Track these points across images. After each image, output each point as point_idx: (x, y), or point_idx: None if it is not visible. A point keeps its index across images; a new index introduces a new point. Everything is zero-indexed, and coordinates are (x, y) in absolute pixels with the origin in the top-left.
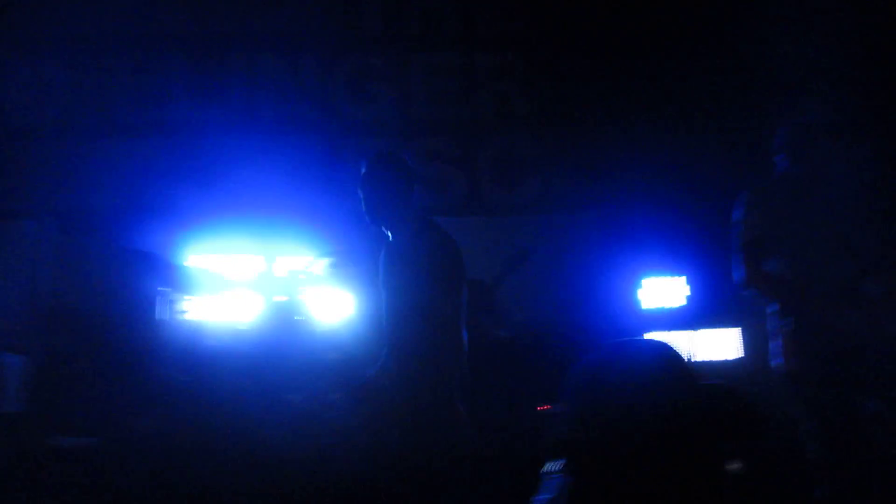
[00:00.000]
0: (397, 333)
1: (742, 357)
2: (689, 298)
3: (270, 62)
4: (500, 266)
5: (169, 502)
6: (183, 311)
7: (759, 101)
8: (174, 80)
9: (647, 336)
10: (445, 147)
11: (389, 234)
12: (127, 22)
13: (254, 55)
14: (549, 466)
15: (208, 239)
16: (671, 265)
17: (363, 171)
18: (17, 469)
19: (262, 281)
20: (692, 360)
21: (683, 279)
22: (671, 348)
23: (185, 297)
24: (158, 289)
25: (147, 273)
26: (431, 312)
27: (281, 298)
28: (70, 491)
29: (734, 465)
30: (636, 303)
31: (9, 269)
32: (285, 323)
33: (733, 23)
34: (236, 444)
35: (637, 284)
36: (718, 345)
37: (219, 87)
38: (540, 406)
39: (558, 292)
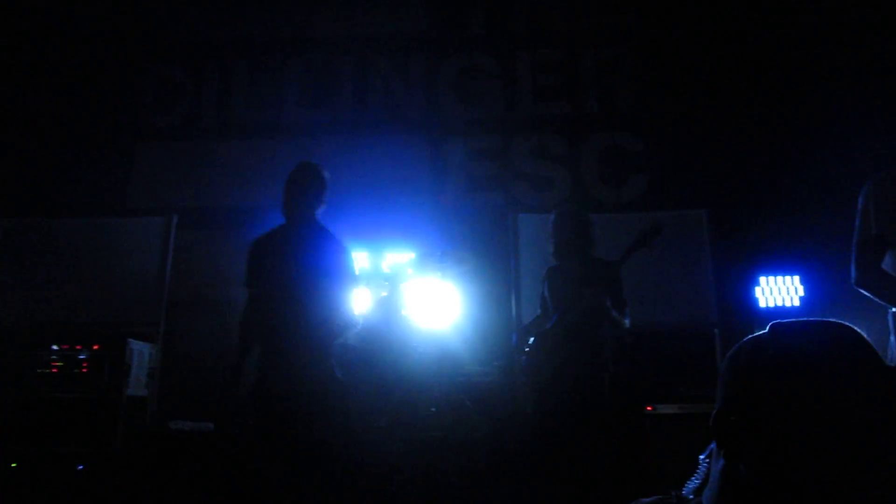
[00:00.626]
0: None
1: None
2: (803, 299)
3: (380, 63)
4: (629, 243)
5: (280, 488)
6: None
7: (880, 92)
8: (287, 83)
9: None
10: (550, 144)
11: None
12: (243, 28)
13: (364, 56)
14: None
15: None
16: (785, 264)
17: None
18: (142, 450)
19: (368, 276)
20: None
21: (797, 278)
22: (855, 329)
23: None
24: None
25: None
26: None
27: (385, 293)
28: (189, 472)
29: None
30: (754, 301)
31: (138, 262)
32: (390, 318)
33: (851, 15)
34: (343, 435)
35: (754, 283)
36: None
37: (329, 88)
38: (649, 406)
39: (668, 290)
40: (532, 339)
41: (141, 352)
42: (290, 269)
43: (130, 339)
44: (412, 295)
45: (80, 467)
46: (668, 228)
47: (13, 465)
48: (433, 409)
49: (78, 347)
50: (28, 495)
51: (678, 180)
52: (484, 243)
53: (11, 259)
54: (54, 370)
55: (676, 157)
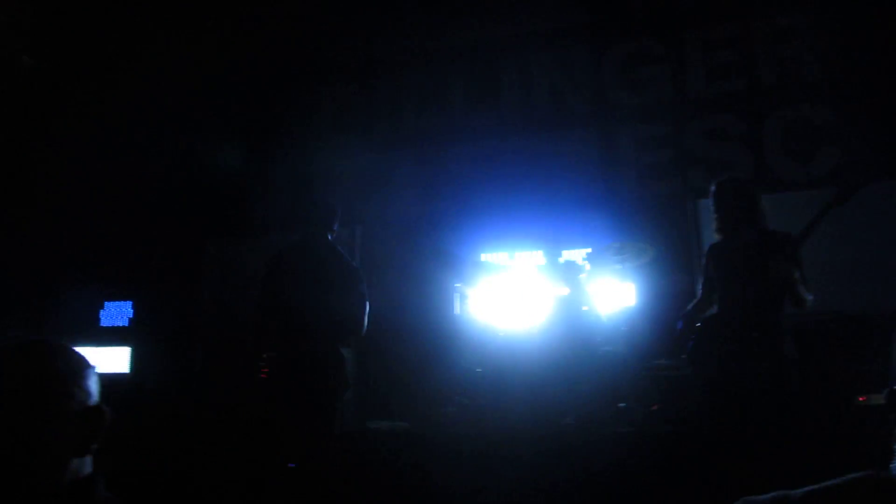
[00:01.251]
0: None
1: None
2: None
3: (543, 60)
4: (815, 211)
5: (473, 484)
6: (475, 305)
7: None
8: (453, 89)
9: None
10: (727, 124)
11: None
12: (410, 39)
13: (526, 55)
14: None
15: (495, 236)
16: None
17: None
18: (342, 448)
19: (544, 274)
20: None
21: None
22: None
23: (478, 291)
24: (455, 285)
25: (444, 270)
26: None
27: (563, 291)
28: (386, 469)
29: None
30: None
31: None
32: (570, 314)
33: None
34: (529, 433)
35: None
36: None
37: (494, 90)
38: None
39: (862, 269)
40: (699, 325)
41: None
42: (302, 280)
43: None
44: (591, 290)
45: (292, 465)
46: (863, 201)
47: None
48: (622, 405)
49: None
50: (245, 493)
51: (874, 150)
52: (662, 233)
53: (225, 275)
54: (263, 375)
55: (871, 126)
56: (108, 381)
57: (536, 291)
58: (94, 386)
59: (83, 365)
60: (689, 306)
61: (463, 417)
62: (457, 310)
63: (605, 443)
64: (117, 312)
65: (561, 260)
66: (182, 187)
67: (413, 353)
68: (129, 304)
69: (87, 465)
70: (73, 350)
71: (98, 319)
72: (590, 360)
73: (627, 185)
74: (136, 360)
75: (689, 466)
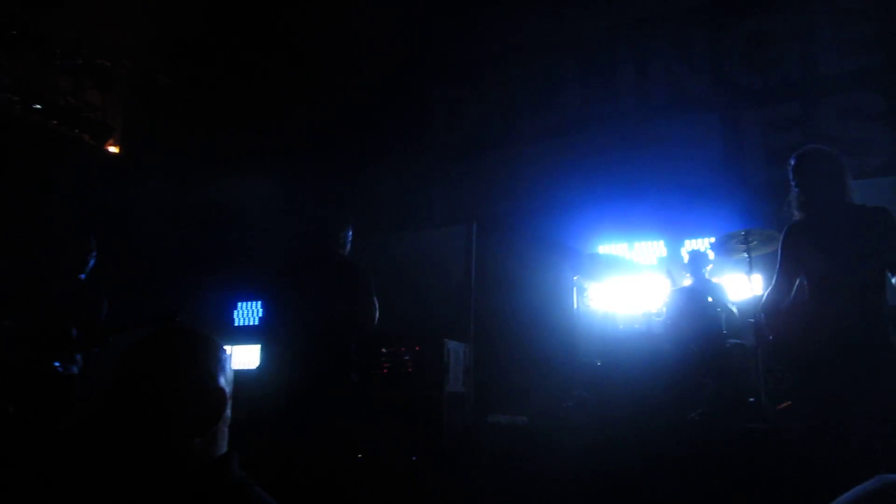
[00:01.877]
0: None
1: None
2: None
3: (659, 45)
4: None
5: (592, 478)
6: (594, 299)
7: None
8: (567, 81)
9: None
10: (863, 102)
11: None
12: (519, 37)
13: (642, 41)
14: None
15: (614, 227)
16: None
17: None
18: (463, 441)
19: (665, 265)
20: None
21: None
22: None
23: (596, 284)
24: (573, 277)
25: (562, 263)
26: None
27: (687, 282)
28: (505, 462)
29: None
30: None
31: (448, 267)
32: (694, 306)
33: None
34: (651, 428)
35: None
36: None
37: (609, 80)
38: None
39: None
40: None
41: (457, 351)
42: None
43: (446, 340)
44: (716, 281)
45: (414, 458)
46: None
47: (359, 455)
48: (751, 400)
49: (403, 349)
50: (371, 483)
51: None
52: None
53: None
54: (385, 370)
55: None
56: (241, 377)
57: (658, 283)
58: (216, 369)
59: (207, 348)
60: (766, 296)
61: (582, 411)
62: (575, 303)
63: (734, 439)
64: (249, 312)
65: (684, 250)
66: (307, 190)
67: (531, 348)
68: (259, 303)
69: (220, 445)
70: (201, 334)
71: (232, 319)
72: (716, 353)
73: (753, 170)
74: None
75: (821, 466)
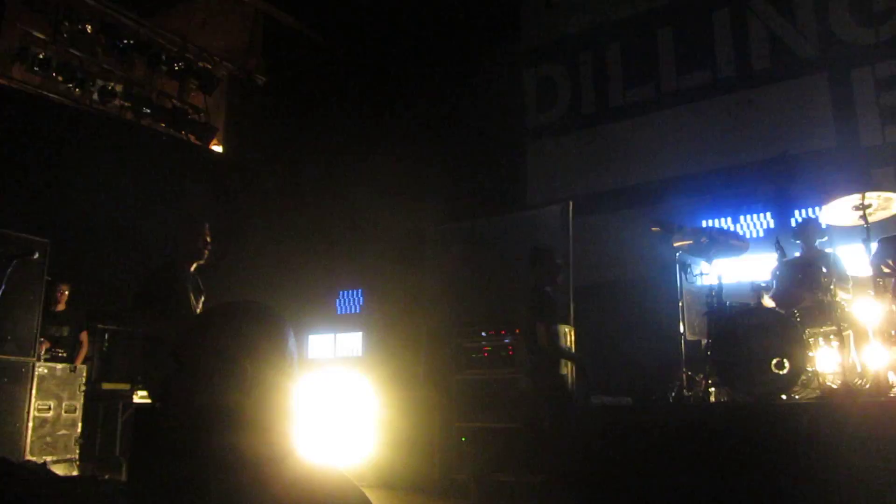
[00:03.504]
0: None
1: None
2: None
3: (760, 7)
4: None
5: (696, 461)
6: (701, 274)
7: None
8: (661, 54)
9: None
10: None
11: None
12: (611, 12)
13: (741, 4)
14: None
15: (717, 201)
16: None
17: None
18: (569, 422)
19: (774, 237)
20: None
21: None
22: None
23: (703, 259)
24: (676, 254)
25: (665, 240)
26: None
27: (797, 253)
28: (611, 442)
29: None
30: None
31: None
32: (808, 279)
33: None
34: (762, 410)
35: None
36: None
37: (706, 48)
38: None
39: None
40: None
41: (560, 333)
42: None
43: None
44: (833, 253)
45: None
46: None
47: (463, 438)
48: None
49: (503, 333)
50: (478, 463)
51: None
52: None
53: (441, 259)
54: (485, 354)
55: None
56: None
57: (767, 257)
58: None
59: (286, 323)
60: None
61: (691, 393)
62: (679, 281)
63: (853, 418)
64: (350, 300)
65: (794, 221)
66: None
67: (634, 328)
68: (359, 292)
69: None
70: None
71: (335, 308)
72: (834, 326)
73: (867, 132)
74: (366, 344)
75: None
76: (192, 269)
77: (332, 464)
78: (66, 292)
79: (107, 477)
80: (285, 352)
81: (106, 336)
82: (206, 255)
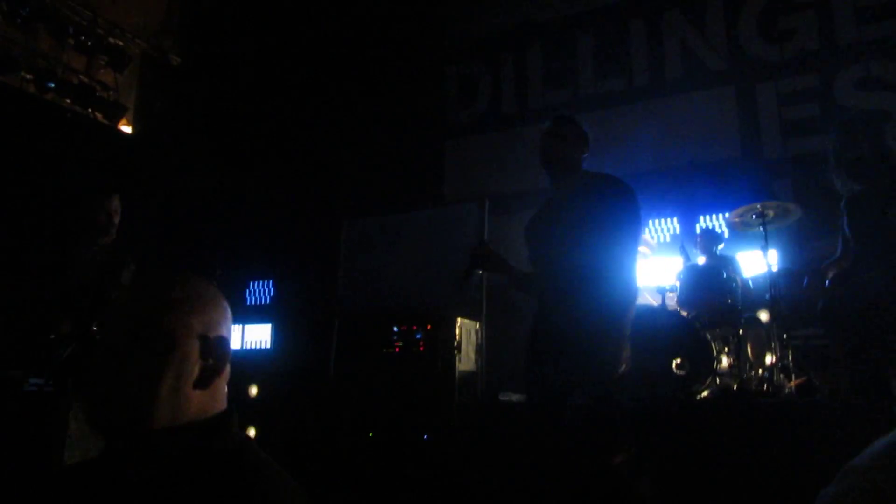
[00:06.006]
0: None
1: None
2: None
3: (675, 18)
4: None
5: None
6: None
7: None
8: (580, 58)
9: None
10: (882, 72)
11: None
12: (534, 13)
13: (656, 15)
14: None
15: None
16: None
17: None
18: (475, 420)
19: (680, 242)
20: None
21: None
22: None
23: None
24: None
25: None
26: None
27: (701, 259)
28: (511, 442)
29: None
30: None
31: (458, 247)
32: (709, 283)
33: None
34: (662, 404)
35: None
36: None
37: (622, 56)
38: None
39: None
40: (828, 283)
41: (468, 330)
42: None
43: (459, 318)
44: (730, 258)
45: (426, 437)
46: None
47: (370, 434)
48: (765, 375)
49: (414, 328)
50: (382, 463)
51: None
52: (808, 193)
53: (355, 253)
54: (396, 349)
55: None
56: (253, 355)
57: (672, 260)
58: (218, 318)
59: (206, 295)
60: (824, 264)
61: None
62: None
63: (747, 415)
64: (261, 291)
65: (697, 227)
66: (319, 168)
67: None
68: (270, 282)
69: (220, 402)
70: (200, 280)
71: (244, 298)
72: (731, 327)
73: (769, 144)
74: (276, 336)
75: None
76: (95, 247)
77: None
78: None
79: None
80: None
81: None
82: (110, 231)
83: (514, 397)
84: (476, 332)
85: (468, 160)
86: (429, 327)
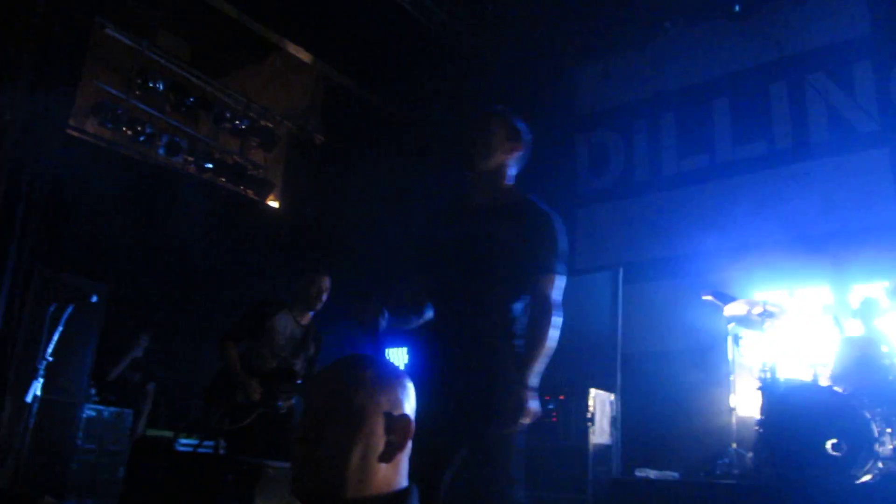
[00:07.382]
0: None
1: None
2: None
3: (818, 79)
4: None
5: None
6: (752, 349)
7: None
8: (717, 123)
9: None
10: None
11: None
12: (668, 81)
13: (799, 77)
14: None
15: (772, 273)
16: None
17: None
18: (611, 495)
19: (832, 312)
20: None
21: None
22: None
23: (755, 333)
24: (728, 325)
25: (717, 310)
26: None
27: (856, 332)
28: None
29: None
30: None
31: (593, 315)
32: (866, 358)
33: None
34: (818, 492)
35: None
36: None
37: (763, 119)
38: None
39: None
40: None
41: (603, 401)
42: None
43: (592, 389)
44: (889, 331)
45: None
46: None
47: None
48: None
49: (547, 398)
50: None
51: None
52: None
53: None
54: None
55: None
56: None
57: (824, 333)
58: (403, 396)
59: (393, 376)
60: None
61: (739, 470)
62: (730, 354)
63: None
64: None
65: (852, 296)
66: None
67: (683, 400)
68: (406, 350)
69: (402, 477)
70: (388, 362)
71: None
72: (892, 407)
73: None
74: None
75: None
76: (304, 319)
77: None
78: (147, 341)
79: None
80: None
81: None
82: (317, 306)
83: (652, 473)
84: (611, 403)
85: (600, 228)
86: (561, 398)
